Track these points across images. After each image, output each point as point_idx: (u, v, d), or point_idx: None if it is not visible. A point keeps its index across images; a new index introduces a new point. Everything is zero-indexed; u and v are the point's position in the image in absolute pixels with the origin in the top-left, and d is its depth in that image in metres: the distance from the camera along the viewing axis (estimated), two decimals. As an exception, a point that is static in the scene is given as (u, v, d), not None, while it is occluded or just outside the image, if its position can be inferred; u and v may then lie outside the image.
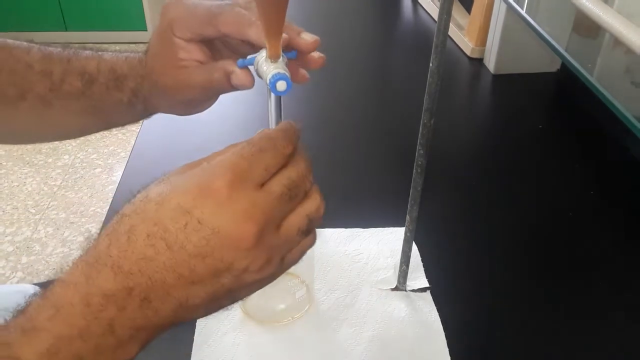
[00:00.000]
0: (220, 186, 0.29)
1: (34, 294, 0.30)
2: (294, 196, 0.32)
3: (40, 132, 0.51)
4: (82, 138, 2.10)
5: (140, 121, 0.56)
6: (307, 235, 0.33)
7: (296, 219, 0.32)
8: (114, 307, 0.29)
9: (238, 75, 0.41)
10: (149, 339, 0.32)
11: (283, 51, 0.38)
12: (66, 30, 2.70)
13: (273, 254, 0.32)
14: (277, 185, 0.31)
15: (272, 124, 0.40)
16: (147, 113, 0.49)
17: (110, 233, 0.30)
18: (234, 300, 0.33)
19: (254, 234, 0.29)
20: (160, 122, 0.83)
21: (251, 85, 0.42)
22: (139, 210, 0.30)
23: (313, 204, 0.33)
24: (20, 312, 0.30)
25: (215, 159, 0.31)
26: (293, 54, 0.41)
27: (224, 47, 0.45)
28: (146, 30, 2.71)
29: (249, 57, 0.40)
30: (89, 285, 0.29)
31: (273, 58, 0.38)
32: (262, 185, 0.31)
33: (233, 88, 0.42)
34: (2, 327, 0.29)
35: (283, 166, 0.32)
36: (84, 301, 0.29)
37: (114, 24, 2.70)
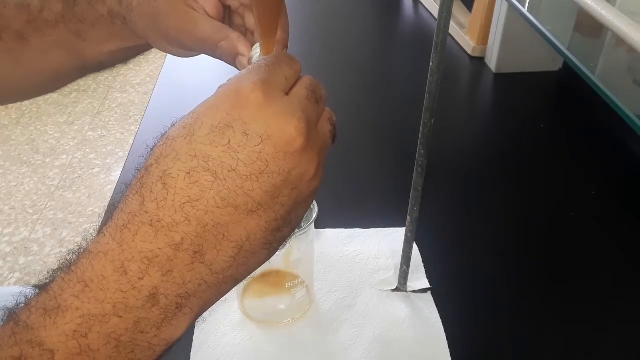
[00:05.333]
0: (254, 91, 0.27)
1: (58, 269, 0.26)
2: (318, 99, 0.30)
3: (13, 76, 0.49)
4: (80, 138, 2.10)
5: (117, 65, 0.50)
6: (333, 139, 0.31)
7: (325, 122, 0.31)
8: (157, 272, 0.25)
9: (243, 64, 0.40)
10: (201, 310, 0.27)
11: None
12: None
13: (321, 156, 0.29)
14: (302, 89, 0.30)
15: None
16: (128, 42, 0.46)
17: (139, 189, 0.26)
18: (292, 227, 0.29)
19: (304, 132, 0.27)
20: (159, 122, 0.82)
21: None
22: (166, 153, 0.26)
23: (328, 111, 0.32)
24: (43, 289, 0.25)
25: (232, 78, 0.29)
26: None
27: (236, 14, 0.45)
28: None
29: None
30: (123, 251, 0.25)
31: (266, 54, 0.37)
32: (288, 92, 0.29)
33: (228, 61, 0.42)
34: (24, 308, 0.25)
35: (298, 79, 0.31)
36: (119, 270, 0.25)
37: None
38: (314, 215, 0.50)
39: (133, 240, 0.25)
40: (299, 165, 0.27)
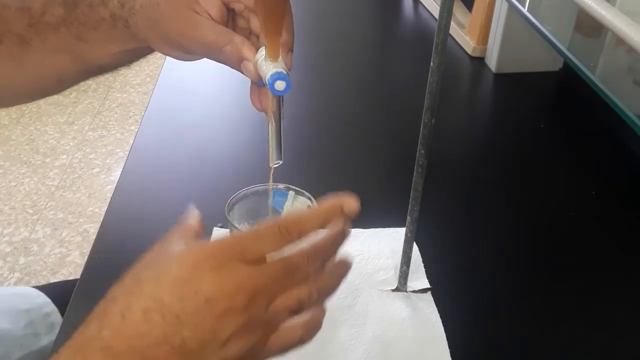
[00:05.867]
0: (214, 264, 0.31)
1: None
2: (290, 276, 0.33)
3: (16, 80, 0.49)
4: (80, 138, 2.10)
5: (119, 68, 0.52)
6: (294, 314, 0.34)
7: (286, 299, 0.33)
8: None
9: (248, 68, 0.40)
10: None
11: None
12: None
13: (258, 325, 0.32)
14: (279, 264, 0.33)
15: (272, 124, 0.40)
16: (130, 45, 0.46)
17: (101, 316, 0.31)
18: None
19: (243, 304, 0.31)
20: (159, 122, 0.83)
21: (255, 80, 0.41)
22: (134, 291, 0.31)
23: (306, 289, 0.34)
24: None
25: (213, 241, 0.33)
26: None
27: (240, 17, 0.44)
28: None
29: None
30: None
31: (272, 57, 0.37)
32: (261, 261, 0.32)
33: (233, 65, 0.42)
34: None
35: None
36: None
37: None
38: None
39: None
40: (229, 325, 0.31)
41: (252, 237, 0.33)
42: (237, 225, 0.39)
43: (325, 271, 0.36)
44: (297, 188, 0.43)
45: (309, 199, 0.42)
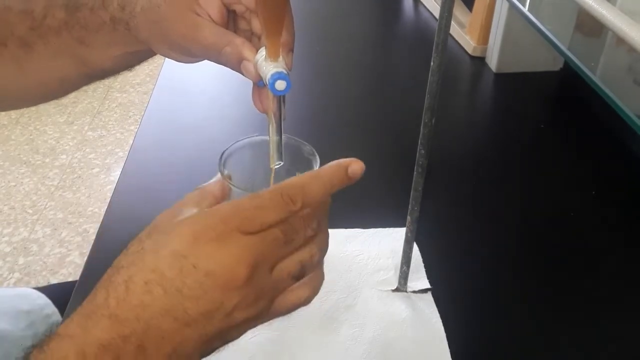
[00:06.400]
0: (212, 235, 0.31)
1: (33, 346, 0.30)
2: (289, 241, 0.33)
3: (19, 84, 0.49)
4: (79, 138, 2.10)
5: (121, 72, 0.51)
6: (297, 279, 0.34)
7: (288, 264, 0.33)
8: (109, 357, 0.30)
9: (248, 69, 0.40)
10: None
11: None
12: None
13: (262, 293, 0.33)
14: (277, 231, 0.32)
15: (273, 125, 0.40)
16: (131, 48, 0.46)
17: (107, 285, 0.31)
18: (224, 341, 0.34)
19: (244, 275, 0.31)
20: (159, 122, 0.83)
21: (255, 81, 0.41)
22: (136, 261, 0.32)
23: (307, 251, 0.34)
24: None
25: (212, 209, 0.33)
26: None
27: (241, 18, 0.44)
28: None
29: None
30: (85, 336, 0.30)
31: (272, 57, 0.37)
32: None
33: (232, 67, 0.42)
34: None
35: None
36: (79, 353, 0.29)
37: None
38: None
39: (94, 328, 0.30)
40: (234, 297, 0.31)
41: (254, 207, 0.32)
42: (234, 184, 0.37)
43: (322, 229, 0.36)
44: (299, 139, 0.41)
45: (312, 153, 0.40)
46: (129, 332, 0.30)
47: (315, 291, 0.36)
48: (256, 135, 0.41)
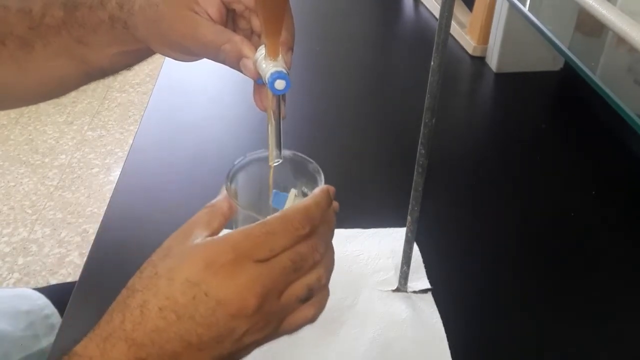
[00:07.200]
0: (223, 263, 0.32)
1: None
2: (298, 268, 0.34)
3: (19, 83, 0.49)
4: (79, 138, 2.10)
5: (120, 71, 0.51)
6: (305, 302, 0.35)
7: (296, 289, 0.34)
8: None
9: (248, 66, 0.40)
10: None
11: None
12: None
13: (271, 318, 0.34)
14: (285, 259, 0.33)
15: (272, 123, 0.40)
16: (129, 47, 0.46)
17: (123, 308, 0.33)
18: None
19: (254, 305, 0.32)
20: (158, 122, 0.82)
21: (254, 78, 0.41)
22: (150, 286, 0.33)
23: (314, 275, 0.35)
24: None
25: (223, 236, 0.33)
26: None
27: (241, 18, 0.44)
28: None
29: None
30: (103, 358, 0.31)
31: (272, 56, 0.37)
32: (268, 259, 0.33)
33: (231, 65, 0.42)
34: None
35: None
36: None
37: None
38: None
39: (111, 351, 0.31)
40: (244, 325, 0.33)
41: (263, 234, 0.33)
42: (239, 204, 0.38)
43: (328, 248, 0.37)
44: (305, 156, 0.42)
45: (317, 170, 0.41)
46: (145, 355, 0.31)
47: (321, 309, 0.37)
48: (262, 152, 0.42)
